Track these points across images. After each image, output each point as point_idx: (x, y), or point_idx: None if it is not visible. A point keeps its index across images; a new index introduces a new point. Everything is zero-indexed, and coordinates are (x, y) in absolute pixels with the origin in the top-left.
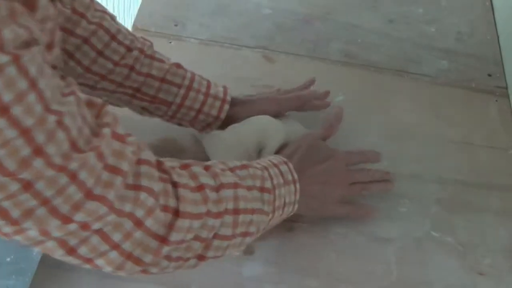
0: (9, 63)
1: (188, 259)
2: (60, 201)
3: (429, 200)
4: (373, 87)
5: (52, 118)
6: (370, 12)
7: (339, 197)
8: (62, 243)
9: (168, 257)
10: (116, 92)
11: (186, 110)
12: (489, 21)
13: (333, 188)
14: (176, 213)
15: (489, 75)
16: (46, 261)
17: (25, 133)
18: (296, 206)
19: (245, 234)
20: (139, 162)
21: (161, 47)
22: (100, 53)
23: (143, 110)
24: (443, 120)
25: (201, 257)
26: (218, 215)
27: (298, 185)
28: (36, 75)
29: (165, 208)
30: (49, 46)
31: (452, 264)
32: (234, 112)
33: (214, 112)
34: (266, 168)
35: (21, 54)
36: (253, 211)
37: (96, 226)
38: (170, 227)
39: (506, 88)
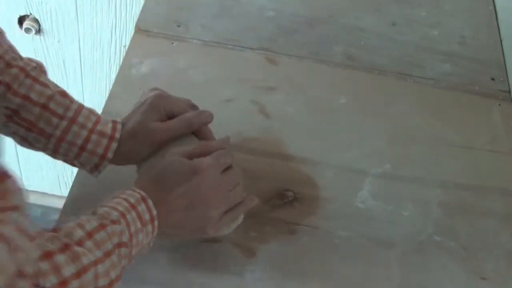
0: None
1: None
2: None
3: (431, 204)
4: (375, 90)
5: None
6: (373, 15)
7: (218, 211)
8: None
9: None
10: None
11: (67, 145)
12: (492, 25)
13: (199, 211)
14: None
15: (492, 79)
16: None
17: None
18: (153, 239)
19: None
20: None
21: (163, 48)
22: None
23: (23, 141)
24: (446, 124)
25: None
26: None
27: (156, 222)
28: None
29: None
30: None
31: (455, 269)
32: (129, 147)
33: (99, 150)
34: (123, 216)
35: None
36: (111, 283)
37: None
38: None
39: (509, 92)
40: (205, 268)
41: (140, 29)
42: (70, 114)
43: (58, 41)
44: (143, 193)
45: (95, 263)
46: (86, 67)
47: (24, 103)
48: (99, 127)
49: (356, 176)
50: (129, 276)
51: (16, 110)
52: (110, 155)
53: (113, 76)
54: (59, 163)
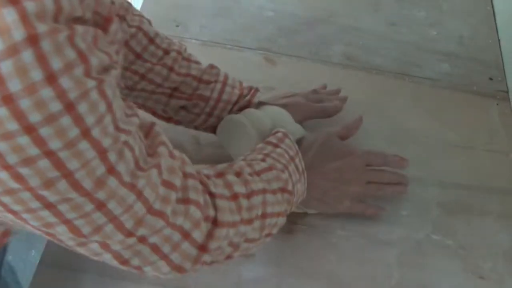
0: (94, 88)
1: (218, 261)
2: (127, 217)
3: (430, 204)
4: (374, 90)
5: (122, 137)
6: (372, 15)
7: (353, 194)
8: (117, 255)
9: (204, 263)
10: (154, 93)
11: (223, 104)
12: (490, 25)
13: (348, 185)
14: (215, 223)
15: (491, 78)
16: (45, 261)
17: (101, 153)
18: (303, 196)
19: (268, 235)
20: (186, 176)
21: None
22: (138, 56)
23: (181, 109)
24: (445, 124)
25: (229, 257)
26: (250, 221)
27: (305, 175)
28: (112, 97)
29: (205, 218)
30: None
31: (453, 268)
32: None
33: (247, 99)
34: (286, 168)
35: (103, 78)
36: (278, 214)
37: (152, 239)
38: (209, 236)
39: (507, 92)
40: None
41: None
42: (221, 78)
43: None
44: (297, 147)
45: (264, 191)
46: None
47: (185, 79)
48: (245, 85)
49: None
50: (127, 277)
51: (176, 88)
52: (256, 100)
53: None
54: None
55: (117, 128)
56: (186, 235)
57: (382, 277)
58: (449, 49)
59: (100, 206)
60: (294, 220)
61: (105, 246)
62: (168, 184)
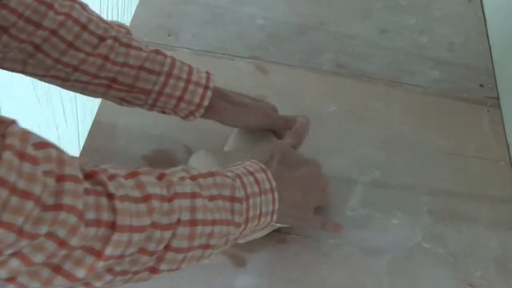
0: None
1: (137, 272)
2: None
3: (420, 211)
4: (365, 97)
5: None
6: (363, 22)
7: (317, 203)
8: None
9: (110, 271)
10: (90, 83)
11: (166, 98)
12: (481, 31)
13: (312, 194)
14: (113, 227)
15: (481, 85)
16: None
17: None
18: (275, 216)
19: (205, 247)
20: (61, 178)
21: None
22: (70, 45)
23: (121, 101)
24: (435, 131)
25: (153, 270)
26: (169, 226)
27: (276, 194)
28: None
29: (97, 223)
30: None
31: (444, 276)
32: (221, 106)
33: (196, 99)
34: (239, 176)
35: None
36: (213, 222)
37: (8, 251)
38: (105, 241)
39: (498, 98)
40: (194, 276)
41: None
42: (165, 68)
43: None
44: (263, 166)
45: (193, 195)
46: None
47: (122, 69)
48: (194, 77)
49: (345, 184)
50: None
51: (113, 78)
52: (206, 102)
53: None
54: None
55: None
56: (61, 243)
57: (373, 285)
58: (440, 56)
59: None
60: (285, 230)
61: None
62: (22, 193)
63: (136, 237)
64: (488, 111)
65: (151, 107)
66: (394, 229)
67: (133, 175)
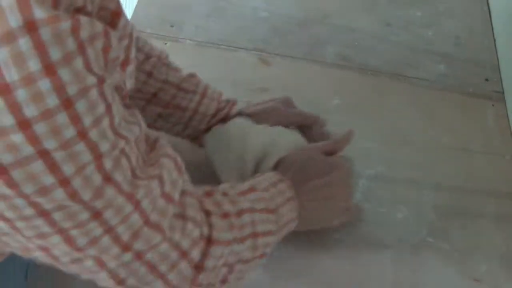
0: (94, 86)
1: (214, 284)
2: (123, 229)
3: (425, 207)
4: (369, 90)
5: (120, 144)
6: (368, 16)
7: (342, 209)
8: (113, 275)
9: (200, 285)
10: (132, 98)
11: (201, 116)
12: (486, 26)
13: (336, 202)
14: (209, 241)
15: (486, 79)
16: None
17: (98, 158)
18: (296, 223)
19: (262, 256)
20: (184, 192)
21: None
22: None
23: (158, 118)
24: (440, 125)
25: (223, 281)
26: (242, 240)
27: (295, 202)
28: (111, 99)
29: (201, 236)
30: (124, 63)
31: (448, 271)
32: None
33: (225, 112)
34: (266, 189)
35: (104, 77)
36: (269, 233)
37: (149, 256)
38: (205, 255)
39: (503, 93)
40: None
41: None
42: (200, 89)
43: None
44: (280, 177)
45: (251, 210)
46: None
47: (163, 86)
48: (223, 98)
49: None
50: None
51: (154, 93)
52: (233, 112)
53: None
54: None
55: (116, 133)
56: (184, 253)
57: (376, 280)
58: (445, 50)
59: (96, 215)
60: None
61: (100, 263)
62: (167, 197)
63: (226, 250)
64: (493, 105)
65: (185, 126)
66: (398, 223)
67: (208, 194)
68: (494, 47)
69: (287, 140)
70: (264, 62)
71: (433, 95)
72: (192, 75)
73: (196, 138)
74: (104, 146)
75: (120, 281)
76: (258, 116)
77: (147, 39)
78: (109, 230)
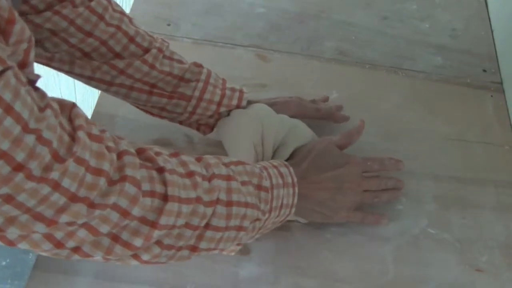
0: None
1: (180, 248)
2: (44, 208)
3: (425, 198)
4: (367, 84)
5: (30, 138)
6: (364, 10)
7: (351, 203)
8: (48, 237)
9: (159, 243)
10: (133, 88)
11: (206, 104)
12: (483, 16)
13: (345, 195)
14: (165, 198)
15: (484, 70)
16: (40, 265)
17: (3, 155)
18: (294, 209)
19: (239, 228)
20: (121, 154)
21: None
22: (117, 55)
23: (162, 111)
24: (439, 117)
25: (194, 248)
26: (210, 203)
27: (297, 189)
28: (11, 99)
29: (151, 194)
30: (22, 65)
31: (450, 261)
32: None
33: (234, 102)
34: (265, 168)
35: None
36: (246, 205)
37: (81, 221)
38: (159, 211)
39: (501, 83)
40: (198, 266)
41: None
42: (203, 77)
43: None
44: (286, 163)
45: (228, 178)
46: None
47: (165, 78)
48: (228, 85)
49: None
50: (123, 278)
51: (154, 84)
52: (244, 103)
53: None
54: None
55: (25, 129)
56: (124, 213)
57: (378, 272)
58: (442, 42)
59: (8, 199)
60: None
61: (29, 231)
62: (94, 171)
63: (185, 208)
64: (491, 96)
65: (191, 114)
66: (398, 215)
67: (175, 155)
68: (491, 38)
69: (305, 131)
70: (262, 58)
71: (431, 87)
72: (195, 64)
73: (203, 125)
74: (4, 144)
75: (58, 244)
76: (278, 106)
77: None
78: (27, 210)
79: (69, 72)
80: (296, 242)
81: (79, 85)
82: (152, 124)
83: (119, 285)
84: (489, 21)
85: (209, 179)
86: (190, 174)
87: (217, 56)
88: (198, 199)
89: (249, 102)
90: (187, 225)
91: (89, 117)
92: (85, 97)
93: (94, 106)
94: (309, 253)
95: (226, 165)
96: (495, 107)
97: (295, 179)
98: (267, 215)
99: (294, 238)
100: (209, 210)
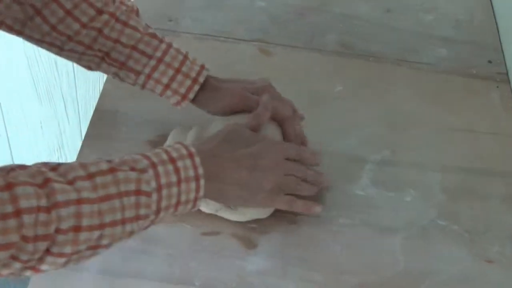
0: None
1: (21, 270)
2: None
3: (433, 189)
4: (372, 77)
5: None
6: (367, 2)
7: (271, 184)
8: None
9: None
10: (85, 54)
11: (153, 82)
12: (487, 7)
13: (263, 172)
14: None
15: (489, 61)
16: None
17: None
18: (198, 202)
19: (95, 247)
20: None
21: None
22: (68, 13)
23: (115, 76)
24: (445, 108)
25: (35, 269)
26: (44, 237)
27: (202, 181)
28: None
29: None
30: None
31: (460, 252)
32: (203, 97)
33: (182, 90)
34: (153, 166)
35: None
36: (102, 226)
37: None
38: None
39: (507, 73)
40: (205, 260)
41: None
42: (158, 54)
43: None
44: (193, 150)
45: (78, 201)
46: (78, 65)
47: (115, 45)
48: (184, 68)
49: (355, 164)
50: (128, 273)
51: (107, 53)
52: (191, 95)
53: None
54: None
55: None
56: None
57: (387, 264)
58: (446, 34)
59: None
60: (295, 211)
61: None
62: None
63: (2, 254)
64: (497, 87)
65: (142, 87)
66: (407, 207)
67: (9, 187)
68: (496, 28)
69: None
70: (264, 52)
71: (436, 78)
72: (153, 35)
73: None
74: None
75: None
76: (217, 91)
77: None
78: None
79: (20, 33)
80: (303, 235)
81: (80, 84)
82: (154, 119)
83: (125, 280)
84: (493, 11)
85: (48, 210)
86: (17, 214)
87: (219, 51)
88: (24, 238)
89: (205, 86)
90: (13, 258)
91: (91, 114)
92: (86, 95)
93: (96, 103)
94: (316, 246)
95: (91, 176)
96: (501, 98)
97: (201, 171)
98: (152, 216)
99: (301, 231)
100: (42, 245)
